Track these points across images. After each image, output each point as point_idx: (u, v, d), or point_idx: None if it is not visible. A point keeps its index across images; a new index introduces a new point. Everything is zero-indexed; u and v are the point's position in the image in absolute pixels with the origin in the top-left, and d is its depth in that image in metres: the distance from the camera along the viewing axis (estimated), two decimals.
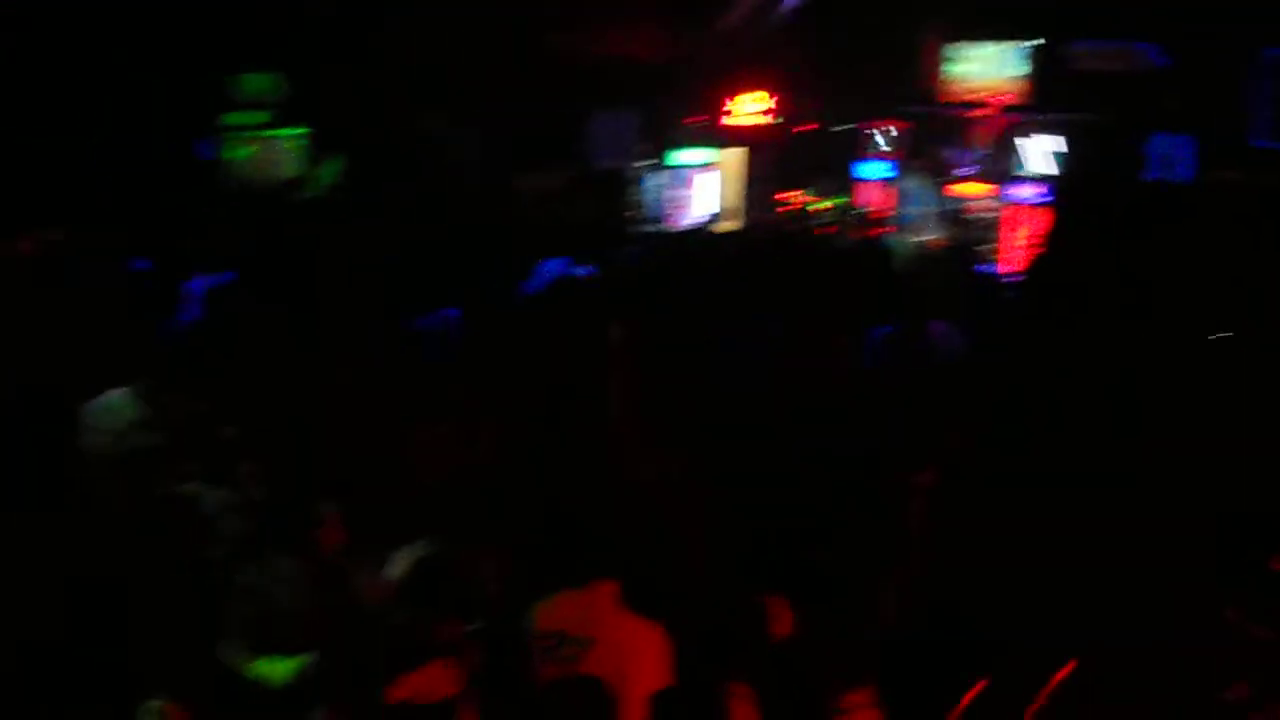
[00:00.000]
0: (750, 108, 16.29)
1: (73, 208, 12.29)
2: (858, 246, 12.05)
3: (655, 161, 16.53)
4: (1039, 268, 11.47)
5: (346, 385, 6.09)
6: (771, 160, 16.78)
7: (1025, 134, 13.90)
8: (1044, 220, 13.03)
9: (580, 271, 10.08)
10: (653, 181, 16.43)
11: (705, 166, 16.64)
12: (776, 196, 16.12)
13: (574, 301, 7.86)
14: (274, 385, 6.15)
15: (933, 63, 15.42)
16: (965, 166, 14.61)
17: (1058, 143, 13.31)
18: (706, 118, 16.44)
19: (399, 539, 4.55)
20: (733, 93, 16.29)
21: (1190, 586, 3.39)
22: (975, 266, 10.36)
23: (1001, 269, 12.14)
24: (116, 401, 5.59)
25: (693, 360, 6.90)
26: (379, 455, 5.30)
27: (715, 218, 15.91)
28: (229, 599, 4.31)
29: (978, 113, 14.49)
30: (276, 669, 4.15)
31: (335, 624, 4.23)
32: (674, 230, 14.93)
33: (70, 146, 12.79)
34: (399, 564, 4.31)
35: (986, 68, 14.52)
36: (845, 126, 16.50)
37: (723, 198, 16.60)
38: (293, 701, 4.01)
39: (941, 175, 15.12)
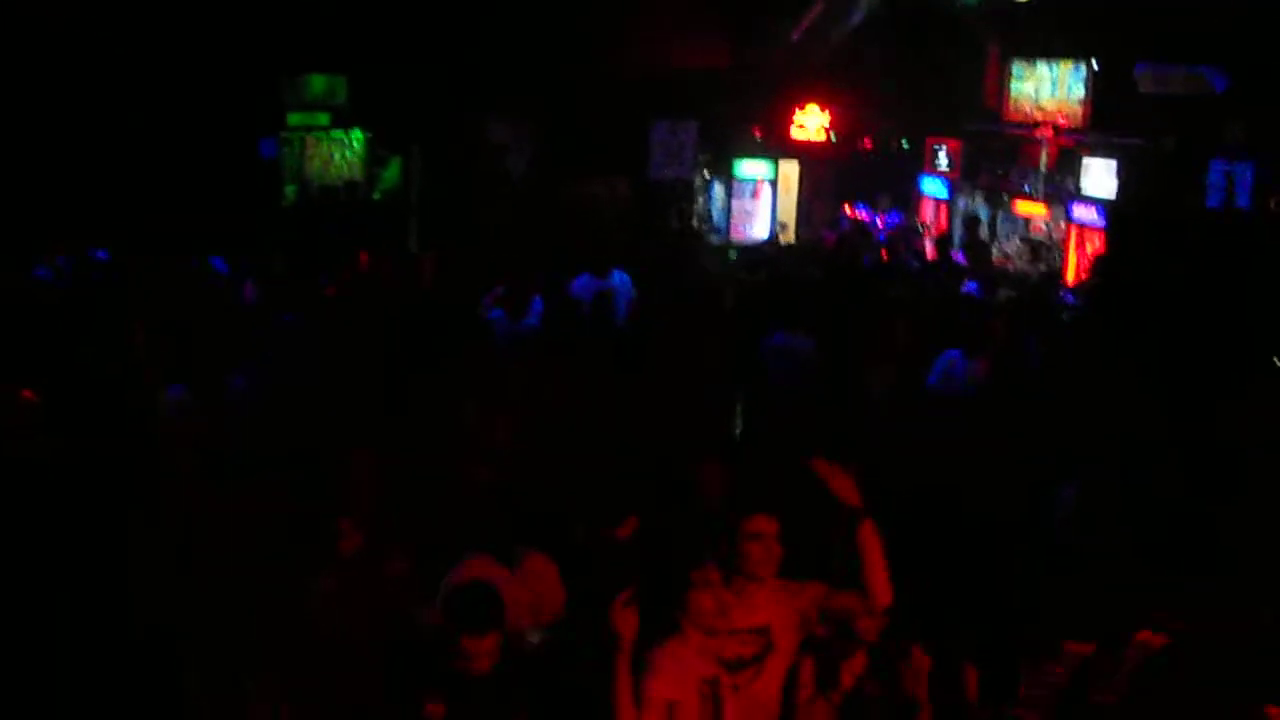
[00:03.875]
0: (813, 122, 16.26)
1: (136, 206, 12.46)
2: (923, 269, 12.15)
3: (714, 174, 16.62)
4: (1097, 290, 11.57)
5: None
6: (825, 176, 16.82)
7: (1085, 156, 13.78)
8: (1103, 243, 13.06)
9: (614, 283, 10.22)
10: (717, 192, 16.59)
11: (770, 180, 16.67)
12: (845, 212, 16.06)
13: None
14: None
15: (993, 82, 15.23)
16: (1025, 186, 14.50)
17: (1117, 166, 13.19)
18: (767, 130, 16.45)
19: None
20: (792, 107, 16.24)
21: None
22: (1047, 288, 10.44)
23: (1066, 289, 12.16)
24: None
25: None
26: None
27: (781, 230, 16.05)
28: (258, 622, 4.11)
29: (1038, 133, 14.37)
30: None
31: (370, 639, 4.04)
32: (751, 243, 15.04)
33: (129, 147, 13.06)
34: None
35: (1048, 88, 14.33)
36: (904, 144, 16.41)
37: (781, 211, 16.69)
38: None
39: (999, 194, 14.98)
